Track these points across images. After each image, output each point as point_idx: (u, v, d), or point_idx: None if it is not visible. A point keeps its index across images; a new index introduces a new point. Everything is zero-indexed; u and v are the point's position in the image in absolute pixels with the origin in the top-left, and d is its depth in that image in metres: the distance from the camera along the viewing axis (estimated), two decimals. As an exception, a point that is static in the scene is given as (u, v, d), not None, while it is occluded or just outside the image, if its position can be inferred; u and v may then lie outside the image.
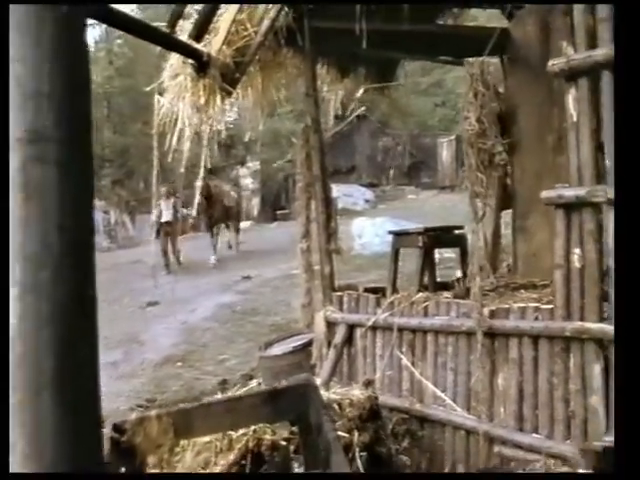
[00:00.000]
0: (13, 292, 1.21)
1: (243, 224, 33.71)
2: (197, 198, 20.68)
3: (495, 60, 7.64)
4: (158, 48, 5.71)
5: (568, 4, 5.15)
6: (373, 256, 16.81)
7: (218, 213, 21.42)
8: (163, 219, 20.54)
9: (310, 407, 4.04)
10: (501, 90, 7.63)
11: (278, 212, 36.18)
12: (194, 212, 22.06)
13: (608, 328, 4.38)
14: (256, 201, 38.15)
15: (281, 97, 7.14)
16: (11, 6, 1.29)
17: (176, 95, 5.56)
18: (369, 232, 19.75)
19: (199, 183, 19.87)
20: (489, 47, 6.50)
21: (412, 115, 38.90)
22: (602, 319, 4.52)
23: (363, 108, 31.33)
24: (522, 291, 6.33)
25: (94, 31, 44.27)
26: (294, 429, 4.67)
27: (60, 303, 1.23)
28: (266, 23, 5.78)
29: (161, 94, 5.57)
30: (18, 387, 1.23)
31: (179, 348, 11.96)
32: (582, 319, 4.63)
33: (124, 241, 33.84)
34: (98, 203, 37.09)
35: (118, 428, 3.92)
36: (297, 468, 4.61)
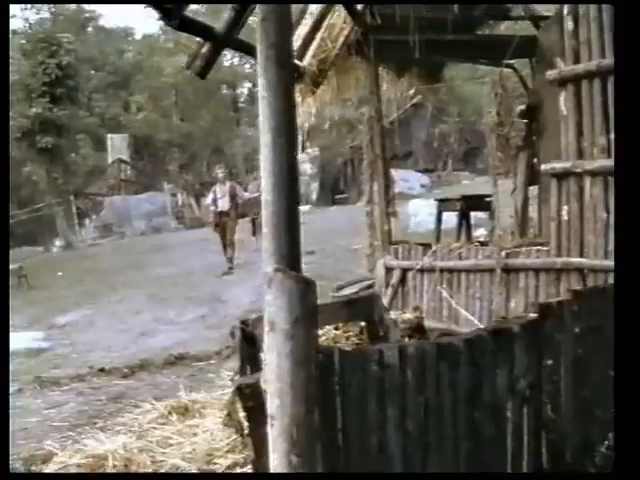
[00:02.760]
0: (269, 186, 3.11)
1: (302, 207, 35.39)
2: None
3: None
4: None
5: (570, 3, 6.62)
6: (427, 233, 18.24)
7: None
8: (219, 208, 18.28)
9: (375, 309, 5.94)
10: (530, 86, 9.43)
11: (337, 196, 37.54)
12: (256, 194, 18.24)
13: (586, 261, 6.24)
14: (315, 186, 39.30)
15: (350, 93, 9.07)
16: (264, 66, 3.20)
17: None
18: (423, 212, 21.07)
19: None
20: (511, 50, 8.27)
21: (469, 102, 39.87)
22: (581, 255, 6.38)
23: (419, 96, 32.69)
24: (539, 247, 8.17)
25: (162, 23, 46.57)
26: (362, 336, 6.53)
27: (286, 191, 3.12)
28: (341, 39, 7.70)
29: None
30: (268, 223, 3.12)
31: (257, 305, 13.78)
32: (568, 255, 6.51)
33: (191, 222, 35.50)
34: (166, 186, 39.28)
35: (244, 322, 5.83)
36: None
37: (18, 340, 12.07)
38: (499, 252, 7.11)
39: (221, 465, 5.57)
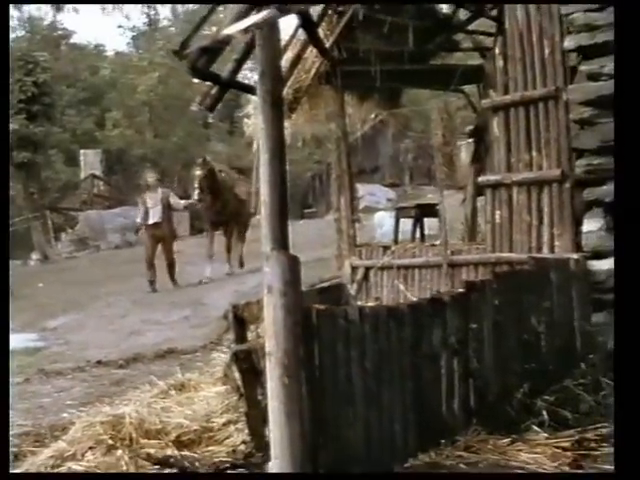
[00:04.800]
0: (267, 191, 4.44)
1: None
2: (195, 185, 16.20)
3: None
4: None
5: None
6: (392, 243, 19.61)
7: (227, 208, 16.79)
8: (150, 220, 16.36)
9: (342, 295, 7.29)
10: (478, 108, 10.87)
11: (305, 210, 38.49)
12: (192, 200, 17.01)
13: (514, 256, 7.68)
14: (283, 200, 40.17)
15: (320, 114, 10.46)
16: (262, 106, 4.53)
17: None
18: (388, 223, 22.36)
19: (199, 171, 16.03)
20: (456, 78, 9.73)
21: (432, 117, 40.80)
22: (511, 251, 7.80)
23: (385, 113, 33.63)
24: (477, 245, 9.53)
25: (138, 42, 47.77)
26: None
27: (279, 195, 4.46)
28: (313, 71, 9.08)
29: (248, 118, 8.94)
30: (266, 217, 4.46)
31: (235, 307, 14.91)
32: (500, 251, 7.94)
33: (164, 235, 36.53)
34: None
35: (235, 306, 7.10)
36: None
37: (14, 340, 13.02)
38: (445, 251, 8.53)
39: (217, 423, 6.74)
